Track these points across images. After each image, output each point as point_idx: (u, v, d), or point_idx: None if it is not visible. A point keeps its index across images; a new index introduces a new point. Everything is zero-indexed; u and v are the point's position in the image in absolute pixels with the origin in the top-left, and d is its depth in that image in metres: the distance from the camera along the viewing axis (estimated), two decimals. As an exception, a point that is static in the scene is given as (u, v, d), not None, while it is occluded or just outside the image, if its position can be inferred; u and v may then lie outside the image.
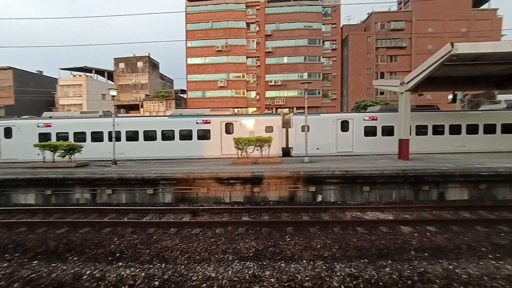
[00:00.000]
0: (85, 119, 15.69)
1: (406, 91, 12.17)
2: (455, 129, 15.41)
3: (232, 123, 15.47)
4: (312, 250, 5.67)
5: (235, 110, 36.39)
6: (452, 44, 9.25)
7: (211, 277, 4.48)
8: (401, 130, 12.62)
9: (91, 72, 42.65)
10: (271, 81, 39.40)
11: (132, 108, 39.85)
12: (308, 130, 14.31)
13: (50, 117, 16.03)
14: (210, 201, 9.70)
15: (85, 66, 41.08)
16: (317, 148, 15.30)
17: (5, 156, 15.43)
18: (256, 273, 4.57)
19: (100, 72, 44.15)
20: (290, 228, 6.86)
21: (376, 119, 15.33)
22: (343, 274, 4.49)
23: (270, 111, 37.52)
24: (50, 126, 15.30)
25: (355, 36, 40.46)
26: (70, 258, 5.50)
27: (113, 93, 12.35)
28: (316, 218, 7.76)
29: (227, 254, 5.54)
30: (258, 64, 39.46)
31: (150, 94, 40.24)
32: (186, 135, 15.33)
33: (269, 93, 39.89)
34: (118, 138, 14.68)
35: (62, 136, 14.93)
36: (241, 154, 12.60)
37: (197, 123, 15.39)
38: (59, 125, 15.39)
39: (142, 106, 38.28)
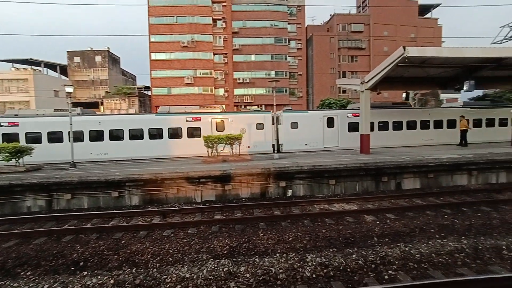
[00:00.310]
0: (61, 117, 14.26)
1: (366, 89, 13.07)
2: (425, 125, 17.13)
3: (223, 121, 15.26)
4: (285, 243, 5.86)
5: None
6: (404, 48, 10.15)
7: (186, 278, 4.43)
8: (362, 126, 13.53)
9: (40, 66, 38.45)
10: (239, 79, 39.35)
11: (90, 105, 36.86)
12: (297, 127, 15.00)
13: (16, 115, 14.37)
14: (180, 202, 9.45)
15: (31, 59, 36.87)
16: (306, 144, 15.88)
17: None
18: (231, 270, 4.62)
19: (51, 66, 40.02)
20: (263, 224, 7.01)
21: (358, 116, 16.11)
22: (314, 263, 4.74)
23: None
24: (17, 125, 13.73)
25: (319, 36, 42.17)
26: (22, 273, 4.93)
27: (69, 89, 11.30)
28: (287, 212, 8.03)
29: (201, 253, 5.49)
30: (226, 61, 39.13)
31: (110, 91, 37.62)
32: (175, 133, 14.87)
33: (238, 91, 39.84)
34: (100, 138, 14.16)
35: (33, 137, 13.63)
36: (211, 153, 12.46)
37: (186, 120, 14.99)
38: (29, 124, 13.84)
39: (102, 103, 35.63)
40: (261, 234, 6.34)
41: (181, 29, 37.35)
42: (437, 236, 5.98)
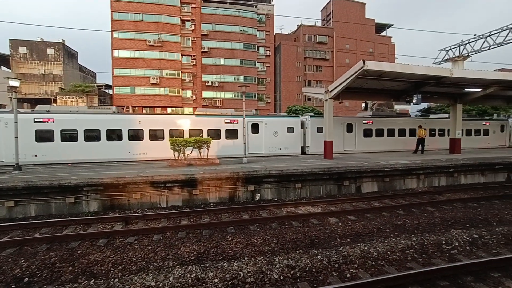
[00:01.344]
0: (98, 115, 14.18)
1: (329, 98, 13.86)
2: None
3: (258, 123, 15.76)
4: (253, 246, 5.92)
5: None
6: (364, 61, 11.03)
7: (151, 286, 4.23)
8: (326, 133, 14.27)
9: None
10: (207, 82, 38.87)
11: (40, 103, 33.26)
12: (322, 131, 16.09)
13: (48, 111, 13.53)
14: (144, 207, 8.98)
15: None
16: None
17: None
18: (199, 276, 4.52)
19: (-13, 54, 35.24)
20: (231, 228, 6.99)
21: (372, 123, 17.60)
22: (281, 266, 4.84)
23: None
24: (52, 122, 12.95)
25: (286, 45, 43.65)
26: None
27: (15, 83, 10.06)
28: (256, 216, 8.11)
29: (167, 260, 5.29)
30: (194, 63, 38.42)
31: (66, 88, 34.36)
32: (214, 134, 14.89)
33: (206, 94, 39.30)
34: (140, 137, 14.36)
35: (69, 134, 13.32)
36: (178, 156, 12.07)
37: (225, 122, 15.42)
38: (66, 121, 13.34)
39: (55, 101, 32.35)
40: (230, 239, 6.31)
41: (147, 27, 35.84)
42: (391, 235, 6.54)
